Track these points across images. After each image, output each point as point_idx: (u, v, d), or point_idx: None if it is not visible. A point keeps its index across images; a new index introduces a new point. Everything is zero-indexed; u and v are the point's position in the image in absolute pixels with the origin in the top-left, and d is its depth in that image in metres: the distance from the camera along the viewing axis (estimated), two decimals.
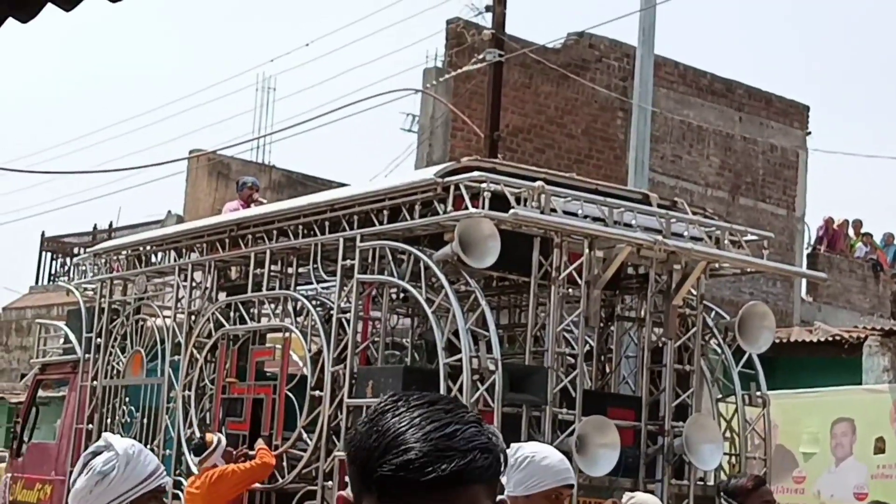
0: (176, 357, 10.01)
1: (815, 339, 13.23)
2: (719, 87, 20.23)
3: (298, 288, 9.41)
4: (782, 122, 20.81)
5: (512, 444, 4.13)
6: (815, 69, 39.71)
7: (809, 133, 21.11)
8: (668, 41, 24.78)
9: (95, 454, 3.22)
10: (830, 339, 13.02)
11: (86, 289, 11.72)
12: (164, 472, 3.28)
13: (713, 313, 8.99)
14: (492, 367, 7.58)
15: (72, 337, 11.50)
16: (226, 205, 13.60)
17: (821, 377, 12.24)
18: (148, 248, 11.14)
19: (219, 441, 8.64)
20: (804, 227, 21.17)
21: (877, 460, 11.03)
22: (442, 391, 7.65)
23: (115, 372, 10.87)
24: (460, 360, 7.65)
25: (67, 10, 3.44)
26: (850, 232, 22.70)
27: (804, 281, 20.28)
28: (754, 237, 9.06)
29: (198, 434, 9.19)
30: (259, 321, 9.63)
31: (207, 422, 9.54)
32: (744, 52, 38.43)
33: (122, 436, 3.86)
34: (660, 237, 8.19)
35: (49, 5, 3.46)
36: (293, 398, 8.77)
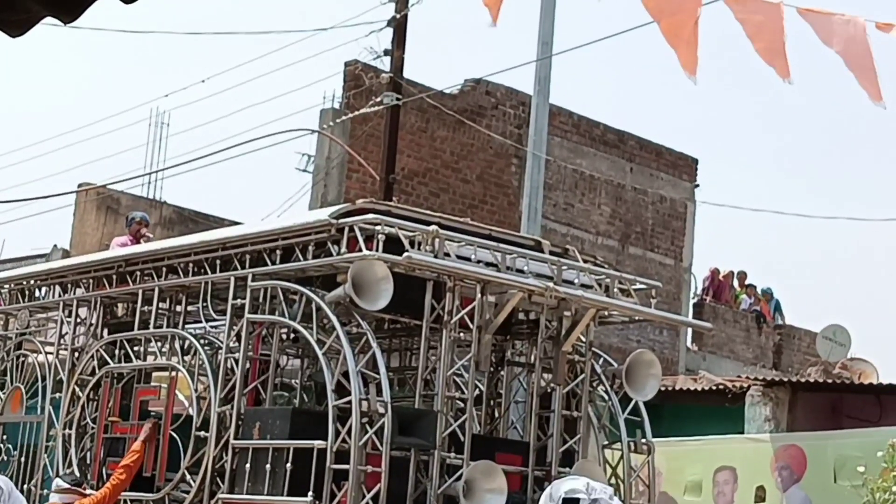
0: (57, 394, 9.79)
1: (699, 388, 13.41)
2: (612, 137, 20.56)
3: (187, 326, 9.27)
4: (672, 174, 21.21)
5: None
6: (704, 123, 40.63)
7: (698, 185, 21.58)
8: (563, 91, 25.20)
9: None
10: (714, 388, 13.21)
11: None
12: None
13: (601, 360, 9.09)
14: (381, 410, 7.55)
15: None
16: (114, 240, 13.38)
17: (704, 425, 12.41)
18: (32, 282, 10.90)
19: None
20: (691, 278, 21.56)
21: None
22: (330, 433, 7.60)
23: None
24: (350, 402, 7.60)
25: (66, 22, 3.36)
26: (735, 283, 23.18)
27: (690, 330, 20.62)
28: (643, 286, 9.19)
29: (77, 474, 8.96)
30: (145, 359, 9.46)
31: (88, 461, 9.33)
32: (636, 104, 39.19)
33: None
34: (551, 284, 8.26)
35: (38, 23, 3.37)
36: (177, 438, 8.62)
